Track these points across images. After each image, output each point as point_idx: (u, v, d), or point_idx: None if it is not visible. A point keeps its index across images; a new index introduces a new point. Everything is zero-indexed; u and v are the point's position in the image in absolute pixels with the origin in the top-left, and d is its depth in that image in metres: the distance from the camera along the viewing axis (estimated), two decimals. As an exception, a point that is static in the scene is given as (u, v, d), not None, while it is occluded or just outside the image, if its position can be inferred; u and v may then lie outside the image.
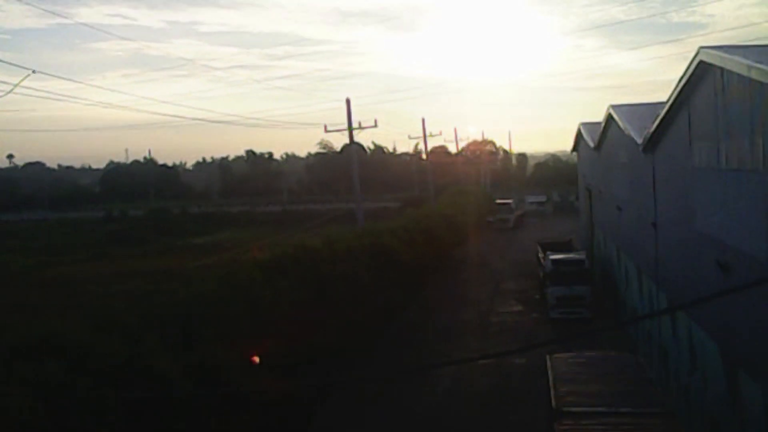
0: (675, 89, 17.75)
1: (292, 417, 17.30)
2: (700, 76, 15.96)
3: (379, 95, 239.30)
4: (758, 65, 11.95)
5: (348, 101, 40.76)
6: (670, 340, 20.67)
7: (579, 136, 48.44)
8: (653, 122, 20.75)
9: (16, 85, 12.28)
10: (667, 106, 18.88)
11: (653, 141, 21.42)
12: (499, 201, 70.43)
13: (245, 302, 18.46)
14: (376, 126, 42.29)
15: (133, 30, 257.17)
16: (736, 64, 13.08)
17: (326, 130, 42.41)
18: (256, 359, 16.06)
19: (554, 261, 32.76)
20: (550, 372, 15.95)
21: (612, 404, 14.16)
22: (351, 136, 41.34)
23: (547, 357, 17.07)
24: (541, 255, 37.75)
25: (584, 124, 45.57)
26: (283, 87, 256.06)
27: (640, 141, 23.03)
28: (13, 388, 11.51)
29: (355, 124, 40.71)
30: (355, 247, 27.58)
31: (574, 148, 54.95)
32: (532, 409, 18.50)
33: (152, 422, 12.46)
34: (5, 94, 12.76)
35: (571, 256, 34.43)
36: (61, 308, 18.30)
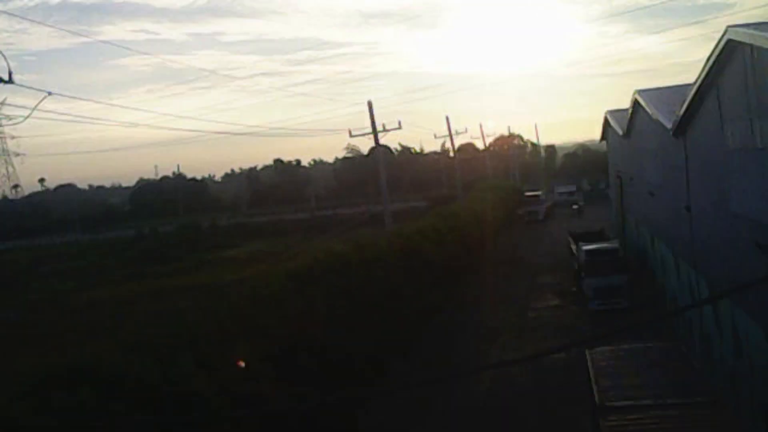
0: (702, 71, 17.26)
1: (335, 426, 17.13)
2: (729, 56, 15.48)
3: (403, 95, 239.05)
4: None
5: (370, 104, 40.53)
6: (713, 326, 20.12)
7: (606, 125, 47.83)
8: (681, 105, 20.23)
9: (33, 109, 12.29)
10: (695, 88, 18.38)
11: (683, 124, 20.90)
12: (527, 193, 69.95)
13: (277, 314, 18.30)
14: (400, 128, 42.08)
15: (157, 44, 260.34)
16: (767, 40, 12.67)
17: (351, 135, 42.39)
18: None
19: (588, 252, 32.24)
20: (590, 366, 15.57)
21: (657, 396, 13.76)
22: (376, 139, 41.13)
23: (587, 351, 16.68)
24: (573, 246, 37.23)
25: (611, 112, 44.99)
26: (306, 93, 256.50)
27: (669, 125, 22.50)
28: (46, 418, 11.49)
29: (379, 127, 40.51)
30: (385, 250, 27.30)
31: (603, 137, 54.30)
32: (576, 405, 18.13)
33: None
34: (24, 120, 12.75)
35: (604, 245, 33.87)
36: (94, 332, 18.35)
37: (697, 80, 18.02)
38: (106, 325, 20.48)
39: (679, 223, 23.26)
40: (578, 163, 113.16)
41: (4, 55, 11.37)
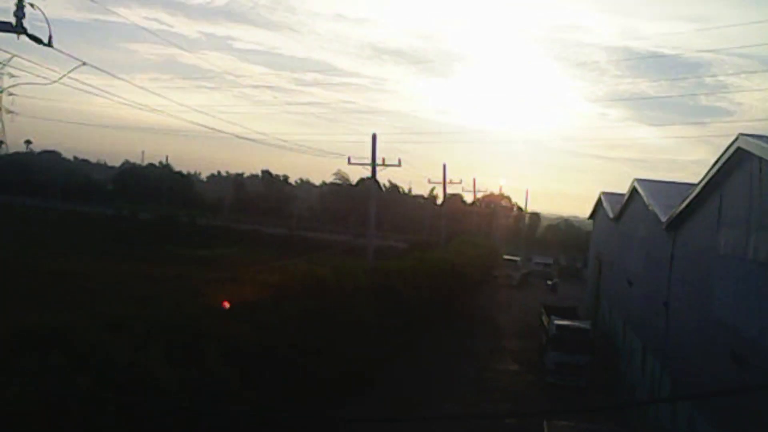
0: (708, 172, 17.77)
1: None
2: (737, 163, 15.99)
3: (400, 135, 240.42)
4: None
5: (374, 137, 40.94)
6: (668, 422, 20.40)
7: (599, 205, 48.61)
8: (681, 202, 20.75)
9: (64, 75, 12.38)
10: (698, 188, 18.89)
11: (678, 220, 21.40)
12: (506, 257, 70.66)
13: (251, 323, 18.35)
14: (399, 165, 42.28)
15: (168, 36, 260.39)
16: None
17: (349, 162, 42.49)
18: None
19: (559, 326, 32.48)
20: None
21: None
22: (374, 172, 41.39)
23: (545, 423, 16.83)
24: (545, 318, 37.53)
25: (605, 194, 45.79)
26: (306, 113, 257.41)
27: (664, 218, 23.02)
28: (14, 377, 11.45)
29: (378, 161, 40.86)
30: (363, 283, 27.49)
31: (591, 216, 55.12)
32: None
33: (144, 430, 12.32)
34: (51, 83, 12.83)
35: (576, 323, 34.17)
36: (67, 303, 18.20)
37: (701, 180, 18.52)
38: (75, 297, 20.32)
39: (654, 317, 23.65)
40: (559, 236, 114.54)
41: (47, 19, 11.48)
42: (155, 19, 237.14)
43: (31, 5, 11.33)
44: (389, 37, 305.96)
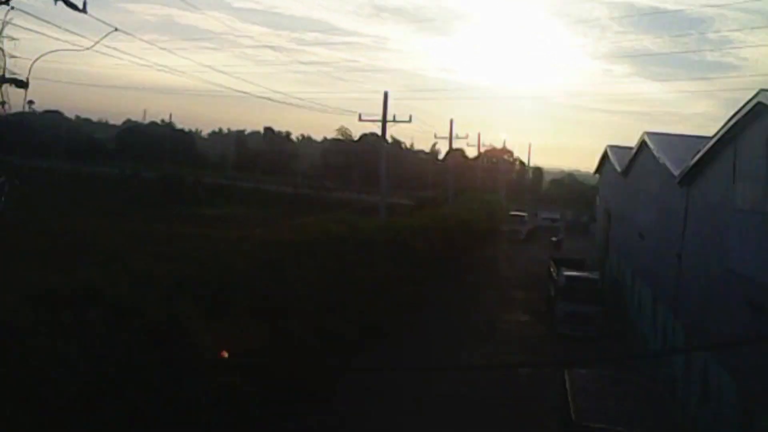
0: (724, 126, 17.89)
1: (319, 388, 17.80)
2: (755, 117, 16.12)
3: (402, 92, 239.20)
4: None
5: (386, 94, 40.90)
6: (681, 370, 20.91)
7: (605, 159, 48.67)
8: (694, 156, 20.92)
9: (97, 42, 12.49)
10: (712, 142, 19.04)
11: (691, 174, 21.59)
12: (513, 213, 71.11)
13: (273, 279, 18.72)
14: (410, 121, 42.36)
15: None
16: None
17: (360, 119, 42.52)
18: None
19: (568, 277, 32.97)
20: (568, 386, 16.18)
21: (629, 424, 14.39)
22: (384, 130, 41.48)
23: (566, 371, 17.30)
24: (553, 270, 38.03)
25: (612, 147, 45.82)
26: (308, 71, 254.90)
27: (676, 172, 23.20)
28: (54, 332, 11.75)
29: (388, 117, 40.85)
30: (378, 238, 27.84)
31: (598, 170, 55.21)
32: (542, 418, 18.83)
33: (186, 384, 12.75)
34: (84, 49, 12.92)
35: (585, 274, 34.68)
36: (92, 261, 18.47)
37: (716, 134, 18.65)
38: (103, 254, 20.58)
39: (666, 268, 24.01)
40: (563, 191, 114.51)
41: None
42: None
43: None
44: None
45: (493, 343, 27.77)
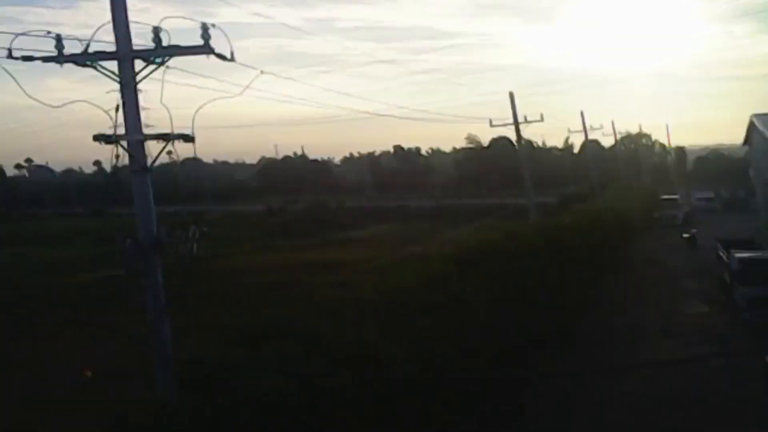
0: None
1: (503, 402, 17.67)
2: None
3: (524, 88, 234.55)
4: None
5: (512, 96, 40.57)
6: None
7: (752, 129, 45.67)
8: None
9: (247, 87, 13.02)
10: None
11: None
12: (664, 197, 68.20)
13: (445, 294, 18.82)
14: (542, 120, 41.71)
15: (273, 28, 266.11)
16: None
17: (491, 125, 42.31)
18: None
19: (742, 260, 30.98)
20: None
21: None
22: (518, 131, 41.16)
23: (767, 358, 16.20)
24: (722, 253, 35.94)
25: (757, 116, 42.99)
26: (424, 81, 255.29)
27: None
28: (261, 364, 12.41)
29: (510, 119, 40.42)
30: (535, 241, 27.40)
31: (746, 141, 51.85)
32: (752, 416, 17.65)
33: (382, 403, 13.08)
34: (233, 96, 13.42)
35: (759, 254, 32.51)
36: (271, 298, 19.45)
37: None
38: (275, 292, 21.59)
39: None
40: (710, 167, 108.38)
41: (227, 35, 11.96)
42: (257, 14, 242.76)
43: (212, 25, 11.82)
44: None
45: (676, 337, 26.43)
